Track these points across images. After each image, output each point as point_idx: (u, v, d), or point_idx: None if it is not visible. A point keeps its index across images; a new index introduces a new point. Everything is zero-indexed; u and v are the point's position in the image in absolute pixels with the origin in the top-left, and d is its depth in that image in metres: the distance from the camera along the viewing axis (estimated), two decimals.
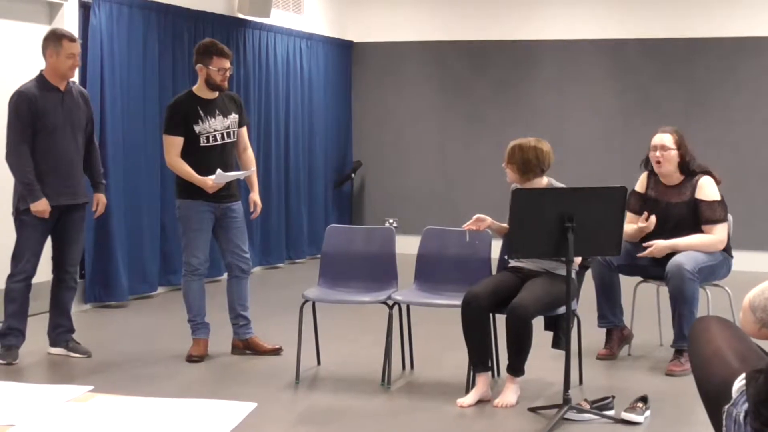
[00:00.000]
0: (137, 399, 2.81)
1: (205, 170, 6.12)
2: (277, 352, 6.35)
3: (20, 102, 5.92)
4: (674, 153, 6.07)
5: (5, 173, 6.13)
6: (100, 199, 6.32)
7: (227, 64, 6.16)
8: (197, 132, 6.12)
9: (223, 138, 6.21)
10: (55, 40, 6.00)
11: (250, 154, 6.46)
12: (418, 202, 11.40)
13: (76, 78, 7.57)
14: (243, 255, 6.32)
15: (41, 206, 5.91)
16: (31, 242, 6.01)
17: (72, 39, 6.05)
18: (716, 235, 6.00)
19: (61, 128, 6.00)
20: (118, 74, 7.97)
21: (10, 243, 6.12)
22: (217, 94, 6.20)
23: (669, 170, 6.10)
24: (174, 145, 6.13)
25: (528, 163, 5.49)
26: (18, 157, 5.92)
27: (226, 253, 6.34)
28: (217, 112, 6.20)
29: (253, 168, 6.43)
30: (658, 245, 5.99)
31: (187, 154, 6.12)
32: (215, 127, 6.18)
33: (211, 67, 6.11)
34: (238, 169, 6.36)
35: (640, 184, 6.30)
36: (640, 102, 10.72)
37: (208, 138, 6.15)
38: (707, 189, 6.05)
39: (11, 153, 5.95)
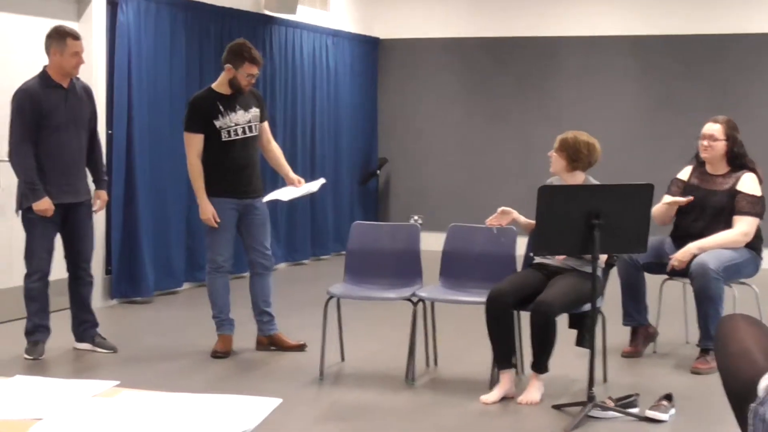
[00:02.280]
0: (163, 394, 2.82)
1: (229, 165, 6.14)
2: (301, 348, 6.36)
3: (24, 100, 5.85)
4: (722, 144, 6.08)
5: (11, 171, 6.06)
6: (101, 195, 6.26)
7: (256, 71, 6.15)
8: (218, 127, 6.11)
9: (245, 132, 6.21)
10: (58, 38, 5.92)
11: (275, 146, 6.47)
12: (444, 199, 11.38)
13: (103, 74, 7.63)
14: (265, 252, 6.33)
15: (44, 205, 5.86)
16: (40, 240, 5.97)
17: (76, 37, 5.98)
18: (739, 229, 5.95)
19: (64, 126, 5.94)
20: (145, 71, 8.01)
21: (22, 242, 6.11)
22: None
23: (714, 158, 6.11)
24: (194, 142, 6.13)
25: (579, 153, 5.47)
26: (21, 156, 5.86)
27: (248, 250, 6.34)
28: (238, 106, 6.18)
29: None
30: (686, 251, 5.91)
31: (210, 150, 6.13)
32: (237, 121, 6.17)
33: (240, 71, 6.10)
34: (258, 166, 6.36)
35: (685, 172, 6.29)
36: (663, 99, 10.66)
37: (229, 132, 6.15)
38: (750, 183, 6.03)
39: (14, 152, 5.88)
